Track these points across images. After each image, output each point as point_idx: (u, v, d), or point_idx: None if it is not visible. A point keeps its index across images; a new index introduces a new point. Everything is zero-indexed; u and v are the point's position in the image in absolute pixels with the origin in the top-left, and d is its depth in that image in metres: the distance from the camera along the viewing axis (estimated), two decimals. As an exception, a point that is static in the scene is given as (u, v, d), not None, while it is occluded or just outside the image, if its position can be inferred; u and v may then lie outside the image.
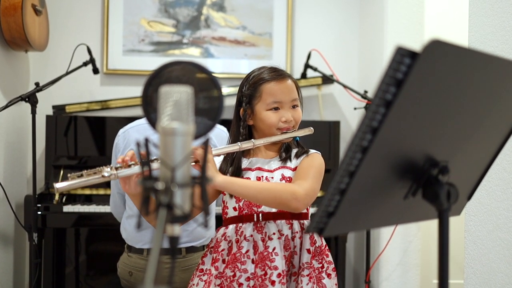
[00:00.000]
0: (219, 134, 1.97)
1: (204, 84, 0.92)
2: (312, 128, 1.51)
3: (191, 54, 3.13)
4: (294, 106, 1.48)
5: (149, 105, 0.88)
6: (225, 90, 2.97)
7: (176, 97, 0.78)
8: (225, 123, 1.91)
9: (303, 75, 2.95)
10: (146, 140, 0.81)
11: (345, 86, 2.74)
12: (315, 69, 2.86)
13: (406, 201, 0.90)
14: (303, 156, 1.49)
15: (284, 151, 1.51)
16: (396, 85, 0.75)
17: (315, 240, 1.46)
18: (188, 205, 0.77)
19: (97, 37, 3.05)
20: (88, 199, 2.62)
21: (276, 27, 3.16)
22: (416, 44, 2.73)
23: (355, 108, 2.80)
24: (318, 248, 1.45)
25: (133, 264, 1.91)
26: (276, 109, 1.45)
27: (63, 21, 3.01)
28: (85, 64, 2.69)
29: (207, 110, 0.90)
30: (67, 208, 2.47)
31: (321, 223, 0.84)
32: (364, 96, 2.64)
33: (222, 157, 1.52)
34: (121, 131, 1.96)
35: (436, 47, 0.73)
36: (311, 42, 3.13)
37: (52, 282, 2.62)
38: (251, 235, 1.42)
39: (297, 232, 1.44)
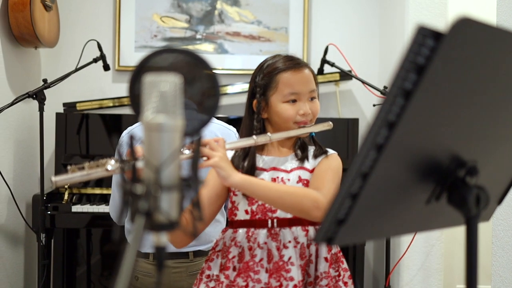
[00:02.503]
0: (228, 135, 1.87)
1: (199, 75, 0.83)
2: (331, 123, 1.40)
3: (205, 50, 3.05)
4: (312, 98, 1.37)
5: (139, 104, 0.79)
6: (239, 87, 2.87)
7: (162, 87, 0.68)
8: (238, 122, 1.82)
9: (320, 71, 2.84)
10: (131, 138, 0.72)
11: (364, 82, 2.62)
12: (332, 65, 2.75)
13: (429, 206, 0.79)
14: (322, 157, 1.38)
15: (299, 148, 1.40)
16: (417, 71, 0.64)
17: (331, 246, 1.35)
18: (176, 211, 0.68)
19: (109, 33, 2.99)
20: (103, 199, 2.55)
21: (292, 21, 3.05)
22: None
23: (374, 105, 2.68)
24: (335, 256, 1.35)
25: (139, 269, 1.83)
26: (293, 101, 1.35)
27: (74, 17, 2.95)
28: (95, 60, 2.63)
29: (203, 104, 0.80)
30: (76, 208, 2.41)
31: (330, 232, 0.74)
32: (383, 92, 2.52)
33: (232, 152, 1.41)
34: (125, 132, 1.88)
35: (465, 26, 0.62)
36: (329, 36, 3.01)
37: (62, 284, 2.57)
38: (265, 243, 1.32)
39: (313, 240, 1.33)
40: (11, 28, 2.46)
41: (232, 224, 1.38)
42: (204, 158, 1.20)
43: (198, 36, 3.04)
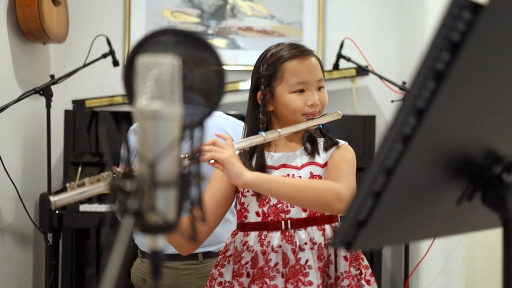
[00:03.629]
0: (238, 131, 1.78)
1: (201, 58, 0.74)
2: (340, 112, 1.32)
3: (217, 45, 2.97)
4: (320, 88, 1.29)
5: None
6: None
7: (158, 70, 0.60)
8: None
9: (336, 66, 2.74)
10: (127, 133, 0.64)
11: (381, 77, 2.51)
12: (348, 59, 2.65)
13: (460, 207, 0.70)
14: (333, 149, 1.29)
15: (307, 141, 1.32)
16: (451, 49, 0.55)
17: (350, 249, 1.26)
18: (173, 211, 0.59)
19: (119, 28, 2.93)
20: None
21: (306, 15, 2.96)
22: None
23: (392, 101, 2.57)
24: (354, 253, 1.26)
25: (147, 271, 1.75)
26: (300, 91, 1.26)
27: (83, 12, 2.90)
28: (104, 56, 2.57)
29: (205, 92, 0.72)
30: (84, 207, 2.35)
31: (349, 235, 0.65)
32: (402, 88, 2.42)
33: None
34: (131, 128, 1.80)
35: (509, -5, 0.53)
36: (344, 30, 2.91)
37: (70, 285, 2.51)
38: (280, 246, 1.23)
39: (330, 239, 1.24)
40: (19, 23, 2.41)
41: (243, 226, 1.29)
42: (212, 161, 1.11)
43: (209, 31, 2.97)
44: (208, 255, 1.76)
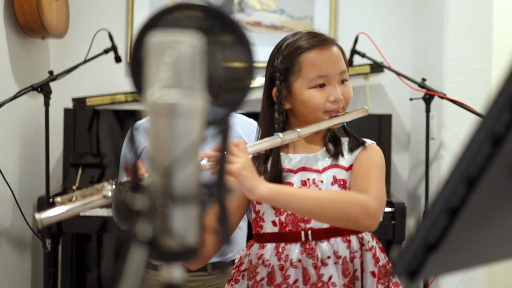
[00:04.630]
0: (247, 128, 1.64)
1: (227, 42, 0.61)
2: (366, 107, 1.18)
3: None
4: (343, 81, 1.14)
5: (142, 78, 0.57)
6: (261, 80, 2.65)
7: (176, 51, 0.47)
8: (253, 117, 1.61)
9: (350, 63, 2.61)
10: (132, 138, 0.51)
11: (398, 74, 2.37)
12: (363, 55, 2.51)
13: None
14: (359, 150, 1.15)
15: (330, 141, 1.18)
16: None
17: (378, 257, 1.12)
18: (193, 234, 0.46)
19: (122, 23, 2.79)
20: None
21: (318, 9, 2.82)
22: (483, 24, 2.33)
23: (411, 99, 2.44)
24: (383, 268, 1.12)
25: (150, 281, 1.62)
26: (321, 86, 1.12)
27: (85, 6, 2.76)
28: (105, 51, 2.43)
29: (230, 84, 0.58)
30: (84, 212, 2.21)
31: (415, 262, 0.52)
32: (421, 85, 2.28)
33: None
34: (139, 123, 1.65)
35: None
36: (358, 25, 2.77)
37: (70, 293, 2.38)
38: (299, 260, 1.10)
39: (356, 251, 1.11)
40: (16, 17, 2.28)
41: (258, 238, 1.16)
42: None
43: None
44: (217, 266, 1.63)
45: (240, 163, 0.96)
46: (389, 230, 2.24)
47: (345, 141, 1.18)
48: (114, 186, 0.87)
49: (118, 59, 2.49)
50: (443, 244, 0.50)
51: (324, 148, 1.17)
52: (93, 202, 0.87)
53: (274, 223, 1.13)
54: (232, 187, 0.50)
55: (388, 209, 2.28)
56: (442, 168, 2.38)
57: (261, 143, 1.08)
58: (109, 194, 0.87)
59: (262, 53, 2.59)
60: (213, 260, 1.61)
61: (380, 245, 1.17)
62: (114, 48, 2.45)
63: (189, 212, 0.46)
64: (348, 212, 1.01)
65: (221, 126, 0.53)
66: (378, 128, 2.53)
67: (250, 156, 1.18)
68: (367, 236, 1.14)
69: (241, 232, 1.71)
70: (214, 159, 0.95)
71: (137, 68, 0.51)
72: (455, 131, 2.35)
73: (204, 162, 0.97)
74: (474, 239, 0.53)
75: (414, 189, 2.71)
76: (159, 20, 0.57)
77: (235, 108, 0.57)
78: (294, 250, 1.10)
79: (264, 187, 0.97)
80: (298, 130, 1.09)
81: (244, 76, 0.59)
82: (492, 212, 0.52)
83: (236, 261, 1.19)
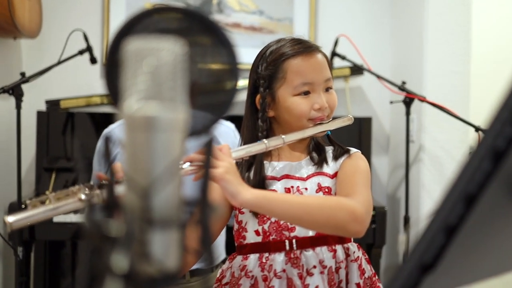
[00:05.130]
0: (226, 133, 1.61)
1: (208, 44, 0.57)
2: (351, 116, 1.16)
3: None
4: (327, 89, 1.13)
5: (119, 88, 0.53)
6: (240, 82, 2.61)
7: (155, 59, 0.43)
8: (239, 120, 1.57)
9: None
10: (106, 144, 0.47)
11: (378, 77, 2.37)
12: (343, 58, 2.50)
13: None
14: (343, 158, 1.13)
15: (314, 149, 1.16)
16: None
17: (364, 269, 1.10)
18: (173, 258, 0.42)
19: (97, 23, 2.72)
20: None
21: (297, 11, 2.80)
22: (462, 27, 2.34)
23: (391, 102, 2.43)
24: (369, 280, 1.10)
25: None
26: (305, 93, 1.10)
27: (58, 5, 2.68)
28: (80, 52, 2.37)
29: (213, 92, 0.55)
30: (58, 218, 2.14)
31: (409, 283, 0.49)
32: (401, 88, 2.27)
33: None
34: (105, 131, 1.60)
35: None
36: (338, 27, 2.76)
37: (43, 302, 2.30)
38: (284, 270, 1.06)
39: (341, 262, 1.08)
40: (-15, 16, 2.20)
41: (241, 249, 1.12)
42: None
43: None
44: (196, 272, 1.59)
45: (224, 167, 0.93)
46: (370, 234, 2.23)
47: (329, 149, 1.17)
48: (89, 193, 0.83)
49: (93, 60, 2.42)
50: (440, 264, 0.48)
51: (308, 157, 1.15)
52: (67, 205, 0.83)
53: (257, 232, 1.10)
54: (216, 206, 0.47)
55: (368, 213, 2.26)
56: (422, 171, 2.38)
57: (245, 148, 1.05)
58: (85, 197, 0.83)
59: (241, 54, 2.57)
60: (192, 267, 1.57)
61: (367, 256, 1.14)
62: (89, 49, 2.38)
63: (170, 235, 0.42)
64: (336, 217, 0.98)
65: (206, 135, 0.50)
66: (358, 131, 2.52)
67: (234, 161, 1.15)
68: (352, 246, 1.11)
69: (219, 238, 1.67)
70: (197, 163, 0.92)
71: (113, 76, 0.47)
72: (434, 134, 2.35)
73: (186, 165, 0.93)
74: (472, 258, 0.51)
75: (393, 192, 2.71)
76: (137, 24, 0.53)
77: (221, 113, 0.53)
78: (278, 260, 1.07)
79: (247, 192, 0.94)
80: (283, 136, 1.07)
81: (228, 79, 0.56)
82: (491, 230, 0.49)
83: (218, 274, 1.15)
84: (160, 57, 0.43)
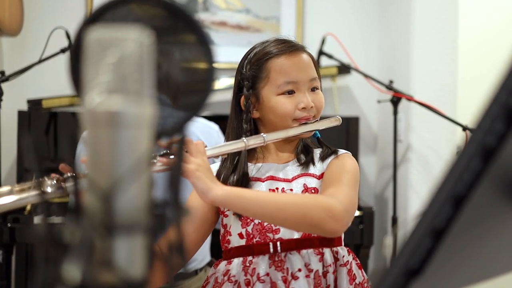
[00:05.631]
0: (208, 133, 1.58)
1: (186, 41, 0.54)
2: (339, 117, 1.13)
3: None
4: (313, 89, 1.10)
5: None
6: (226, 82, 2.59)
7: (119, 49, 0.40)
8: (224, 120, 1.54)
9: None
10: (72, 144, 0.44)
11: (366, 76, 2.35)
12: (330, 57, 2.47)
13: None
14: (331, 158, 1.10)
15: (302, 152, 1.13)
16: None
17: (355, 274, 1.07)
18: (140, 266, 0.39)
19: (79, 21, 2.67)
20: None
21: (284, 9, 2.77)
22: (449, 26, 2.33)
23: (379, 101, 2.41)
24: (360, 286, 1.06)
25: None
26: (290, 92, 1.07)
27: (41, 2, 2.63)
28: (63, 51, 2.32)
29: (189, 86, 0.52)
30: (39, 219, 2.09)
31: (395, 289, 0.46)
32: (389, 87, 2.25)
33: (218, 162, 1.14)
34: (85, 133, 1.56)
35: None
36: (325, 26, 2.74)
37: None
38: (267, 274, 1.03)
39: (329, 266, 1.05)
40: (-36, 13, 2.14)
41: (226, 254, 1.09)
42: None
43: (180, 26, 2.75)
44: (179, 276, 1.55)
45: (195, 163, 0.90)
46: (357, 235, 2.20)
47: (317, 151, 1.14)
48: (56, 182, 0.80)
49: (76, 59, 2.37)
50: (427, 269, 0.45)
51: (295, 159, 1.12)
52: (30, 197, 0.79)
53: (240, 235, 1.07)
54: (188, 209, 0.43)
55: (356, 213, 2.24)
56: (410, 171, 2.36)
57: (222, 146, 1.02)
58: (51, 190, 0.79)
59: (227, 53, 2.52)
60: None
61: (358, 261, 1.11)
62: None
63: (134, 241, 0.39)
64: (311, 215, 0.94)
65: (179, 133, 0.47)
66: (346, 130, 2.49)
67: (216, 165, 1.12)
68: (342, 250, 1.08)
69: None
70: (170, 162, 0.89)
71: (76, 67, 0.44)
72: (422, 134, 2.34)
73: (159, 165, 0.91)
74: (461, 262, 0.48)
75: (381, 192, 2.69)
76: (109, 12, 0.49)
77: (195, 112, 0.50)
78: (261, 263, 1.04)
79: (219, 189, 0.91)
80: (264, 135, 1.04)
81: (205, 77, 0.53)
82: (481, 233, 0.47)
83: (203, 282, 1.12)
84: (124, 47, 0.39)
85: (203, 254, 1.61)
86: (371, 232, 2.23)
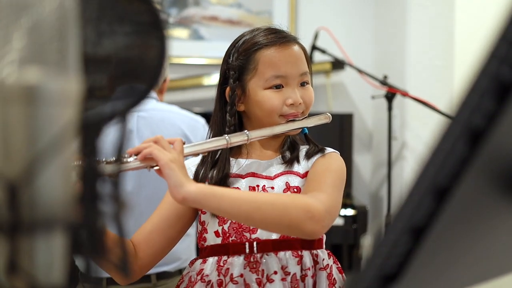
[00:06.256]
0: (193, 126, 1.52)
1: (133, 20, 0.48)
2: (329, 114, 1.07)
3: (178, 36, 2.69)
4: (303, 84, 1.03)
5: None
6: (217, 77, 2.52)
7: (34, 13, 0.33)
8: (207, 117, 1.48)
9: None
10: None
11: (360, 71, 2.29)
12: (323, 52, 2.41)
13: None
14: (317, 157, 1.04)
15: (288, 149, 1.07)
16: None
17: (335, 279, 1.01)
18: (59, 270, 0.33)
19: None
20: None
21: (277, 3, 2.71)
22: (445, 20, 2.27)
23: (373, 97, 2.35)
24: None
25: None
26: (278, 87, 1.01)
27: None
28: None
29: (131, 60, 0.45)
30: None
31: (369, 297, 0.40)
32: (383, 82, 2.19)
33: (198, 159, 1.07)
34: None
35: None
36: (318, 20, 2.68)
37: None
38: (241, 275, 0.97)
39: (308, 269, 0.98)
40: None
41: (202, 252, 1.03)
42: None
43: (170, 20, 2.69)
44: (163, 275, 1.49)
45: (167, 157, 0.85)
46: (350, 235, 2.15)
47: (304, 148, 1.07)
48: None
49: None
50: (405, 273, 0.39)
51: (280, 156, 1.06)
52: None
53: (216, 233, 1.01)
54: (125, 202, 0.37)
55: (349, 212, 2.18)
56: (405, 169, 2.30)
57: (202, 144, 0.96)
58: None
59: (218, 49, 2.45)
60: (158, 270, 1.48)
61: (339, 265, 1.05)
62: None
63: (54, 241, 0.32)
64: (289, 215, 0.88)
65: (120, 120, 0.40)
66: (340, 127, 2.43)
67: (194, 159, 1.06)
68: (322, 253, 1.01)
69: (188, 239, 1.58)
70: (142, 156, 0.85)
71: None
72: (417, 131, 2.28)
73: (131, 159, 0.86)
74: (445, 264, 0.42)
75: (376, 190, 2.64)
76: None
77: (139, 99, 0.44)
78: (236, 264, 0.97)
79: (192, 185, 0.85)
80: (248, 132, 0.97)
81: (153, 64, 0.46)
82: (468, 230, 0.41)
83: (179, 281, 1.06)
84: (42, 10, 0.33)
85: (187, 254, 1.55)
86: (365, 232, 2.17)
